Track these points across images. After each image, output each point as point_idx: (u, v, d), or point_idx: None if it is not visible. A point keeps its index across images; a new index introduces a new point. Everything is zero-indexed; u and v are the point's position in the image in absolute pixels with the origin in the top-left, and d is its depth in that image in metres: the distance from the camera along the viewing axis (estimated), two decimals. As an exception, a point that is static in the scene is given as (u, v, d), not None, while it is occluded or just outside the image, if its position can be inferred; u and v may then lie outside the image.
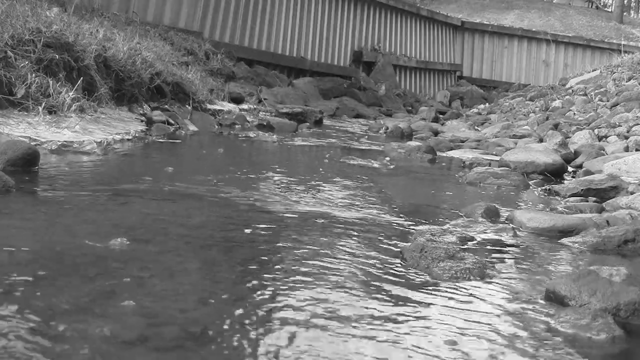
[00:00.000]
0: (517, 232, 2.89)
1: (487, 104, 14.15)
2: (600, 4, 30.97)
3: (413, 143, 6.76)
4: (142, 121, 5.85)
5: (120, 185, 3.24)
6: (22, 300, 1.58)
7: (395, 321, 1.71)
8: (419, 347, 1.56)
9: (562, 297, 1.92)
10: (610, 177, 4.16)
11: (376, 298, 1.87)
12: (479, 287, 2.05)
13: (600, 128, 6.72)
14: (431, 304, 1.88)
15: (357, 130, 9.10)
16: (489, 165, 5.35)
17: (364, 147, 6.56)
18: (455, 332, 1.67)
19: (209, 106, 7.73)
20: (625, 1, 30.82)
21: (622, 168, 4.51)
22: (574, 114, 8.54)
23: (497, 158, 5.72)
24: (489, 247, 2.59)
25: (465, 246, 2.54)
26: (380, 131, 8.85)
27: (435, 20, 19.22)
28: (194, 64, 9.06)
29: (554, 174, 4.95)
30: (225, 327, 1.57)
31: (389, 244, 2.50)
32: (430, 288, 2.02)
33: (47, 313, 1.53)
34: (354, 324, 1.66)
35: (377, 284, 2.01)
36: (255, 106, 9.47)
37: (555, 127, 7.38)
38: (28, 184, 2.96)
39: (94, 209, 2.64)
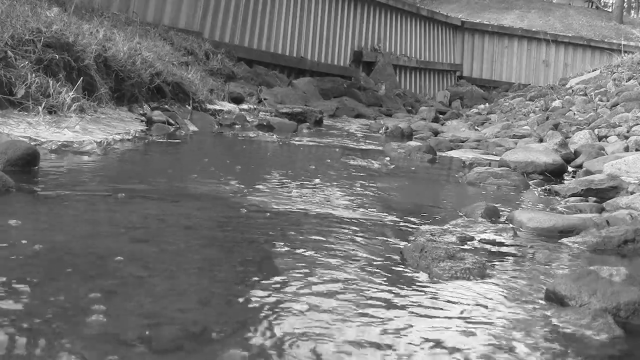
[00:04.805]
0: (517, 232, 2.89)
1: (487, 104, 14.15)
2: (600, 4, 30.96)
3: (413, 143, 6.76)
4: (142, 121, 5.85)
5: (120, 185, 3.23)
6: (23, 300, 1.58)
7: (394, 321, 1.71)
8: (419, 347, 1.56)
9: (562, 297, 1.92)
10: (610, 177, 4.16)
11: (376, 298, 1.87)
12: (479, 287, 2.05)
13: (600, 128, 6.72)
14: (431, 304, 1.87)
15: (357, 130, 9.10)
16: (489, 165, 5.35)
17: (364, 147, 6.56)
18: (455, 332, 1.67)
19: (209, 106, 7.74)
20: (625, 1, 30.82)
21: (622, 168, 4.51)
22: (574, 114, 8.54)
23: (497, 158, 5.72)
24: (489, 247, 2.59)
25: (465, 246, 2.54)
26: (380, 131, 8.85)
27: (435, 20, 19.23)
28: (194, 64, 9.07)
29: (554, 174, 4.95)
30: (225, 327, 1.57)
31: (389, 244, 2.50)
32: (430, 288, 2.02)
33: (47, 313, 1.53)
34: (353, 324, 1.66)
35: (377, 284, 2.00)
36: (255, 106, 9.47)
37: (555, 127, 7.38)
38: (28, 184, 2.96)
39: (94, 209, 2.64)
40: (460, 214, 3.22)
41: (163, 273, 1.90)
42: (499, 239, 2.73)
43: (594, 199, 3.89)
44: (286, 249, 2.31)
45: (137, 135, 5.18)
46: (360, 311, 1.75)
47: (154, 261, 2.00)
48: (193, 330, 1.52)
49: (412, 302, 1.88)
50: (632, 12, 35.31)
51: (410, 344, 1.58)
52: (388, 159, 5.54)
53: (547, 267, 2.41)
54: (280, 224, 2.68)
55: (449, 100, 17.38)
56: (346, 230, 2.66)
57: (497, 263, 2.36)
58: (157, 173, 3.64)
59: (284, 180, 3.80)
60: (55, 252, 1.97)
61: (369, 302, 1.83)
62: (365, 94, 14.21)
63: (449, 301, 1.91)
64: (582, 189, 4.02)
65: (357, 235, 2.59)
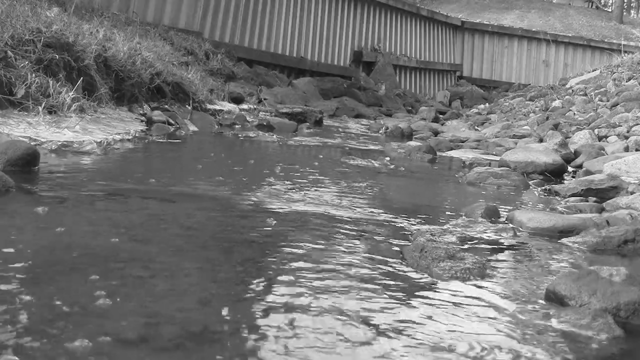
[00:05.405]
0: (517, 232, 2.89)
1: (487, 104, 14.16)
2: (600, 4, 30.95)
3: (413, 143, 6.76)
4: (142, 121, 5.85)
5: (120, 185, 3.24)
6: (23, 300, 1.58)
7: (394, 321, 1.71)
8: (418, 348, 1.56)
9: (562, 297, 1.92)
10: (610, 177, 4.16)
11: (376, 298, 1.87)
12: (479, 287, 2.05)
13: (600, 128, 6.72)
14: (431, 304, 1.87)
15: (357, 130, 9.10)
16: (489, 165, 5.35)
17: (364, 147, 6.56)
18: (454, 332, 1.67)
19: (209, 106, 7.73)
20: (625, 1, 30.82)
21: (622, 168, 4.51)
22: (574, 114, 8.54)
23: (497, 158, 5.72)
24: (489, 247, 2.59)
25: (465, 246, 2.54)
26: (380, 131, 8.85)
27: (435, 20, 19.23)
28: (194, 64, 9.07)
29: (554, 174, 4.95)
30: (225, 327, 1.57)
31: (389, 244, 2.50)
32: (430, 288, 2.02)
33: (47, 313, 1.53)
34: (353, 325, 1.66)
35: (377, 284, 2.00)
36: (255, 106, 9.47)
37: (555, 127, 7.38)
38: (28, 184, 2.96)
39: (94, 209, 2.64)
40: (460, 214, 3.22)
41: (163, 273, 1.90)
42: (499, 239, 2.73)
43: (594, 199, 3.89)
44: (286, 248, 2.30)
45: (137, 135, 5.18)
46: (360, 311, 1.75)
47: (154, 261, 2.00)
48: (193, 329, 1.52)
49: (412, 302, 1.88)
50: (632, 12, 35.32)
51: (410, 343, 1.58)
52: (388, 159, 5.54)
53: (547, 267, 2.41)
54: (280, 223, 2.68)
55: (449, 100, 17.38)
56: (346, 230, 2.66)
57: (497, 263, 2.36)
58: (157, 173, 3.63)
59: (284, 180, 3.80)
60: (55, 253, 1.97)
61: (369, 301, 1.83)
62: (365, 94, 14.21)
63: (448, 301, 1.91)
64: (582, 189, 4.02)
65: (357, 235, 2.59)
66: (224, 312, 1.67)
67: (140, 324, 1.51)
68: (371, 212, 3.12)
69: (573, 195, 4.01)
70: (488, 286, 2.08)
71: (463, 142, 7.65)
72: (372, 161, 5.25)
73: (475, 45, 20.31)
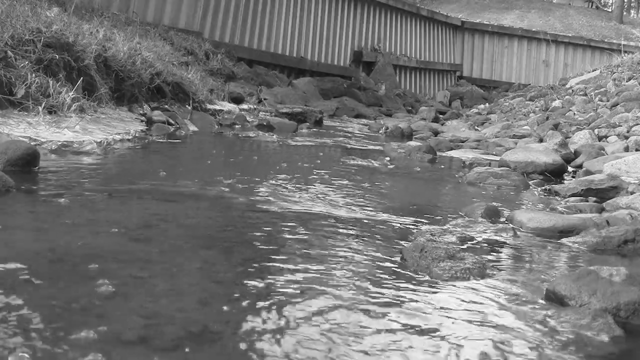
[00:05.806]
0: (517, 232, 2.89)
1: (487, 104, 14.16)
2: (600, 4, 30.95)
3: (413, 143, 6.76)
4: (142, 121, 5.85)
5: (120, 185, 3.24)
6: (23, 301, 1.58)
7: (394, 322, 1.71)
8: (418, 348, 1.56)
9: (562, 297, 1.92)
10: (610, 177, 4.16)
11: (376, 298, 1.87)
12: (479, 287, 2.05)
13: (600, 128, 6.72)
14: (431, 304, 1.87)
15: (357, 130, 9.10)
16: (489, 165, 5.35)
17: (364, 147, 6.56)
18: (454, 332, 1.67)
19: (209, 106, 7.74)
20: (625, 1, 30.82)
21: (622, 168, 4.51)
22: (574, 114, 8.54)
23: (497, 158, 5.72)
24: (489, 247, 2.59)
25: (465, 246, 2.54)
26: (380, 131, 8.85)
27: (435, 20, 19.23)
28: (194, 64, 9.07)
29: (554, 174, 4.95)
30: (225, 327, 1.57)
31: (389, 244, 2.50)
32: (430, 288, 2.02)
33: (47, 313, 1.53)
34: (353, 325, 1.66)
35: (377, 284, 2.00)
36: (255, 106, 9.47)
37: (555, 127, 7.38)
38: (28, 184, 2.96)
39: (94, 209, 2.64)
40: (460, 214, 3.22)
41: (163, 273, 1.90)
42: (499, 239, 2.73)
43: (594, 199, 3.89)
44: (286, 248, 2.31)
45: (137, 135, 5.18)
46: (360, 311, 1.75)
47: (154, 261, 2.00)
48: (193, 329, 1.52)
49: (412, 302, 1.88)
50: (632, 12, 35.32)
51: (410, 344, 1.58)
52: (388, 159, 5.54)
53: (547, 267, 2.41)
54: (280, 223, 2.68)
55: (449, 100, 17.39)
56: (346, 230, 2.66)
57: (497, 263, 2.36)
58: (157, 173, 3.63)
59: (284, 180, 3.80)
60: (55, 253, 1.97)
61: (369, 302, 1.83)
62: (365, 94, 14.22)
63: (448, 301, 1.91)
64: (582, 189, 4.02)
65: (357, 235, 2.59)
66: (224, 312, 1.67)
67: (140, 324, 1.51)
68: (371, 212, 3.12)
69: (573, 195, 4.01)
70: (488, 286, 2.08)
71: (463, 142, 7.65)
72: (372, 161, 5.25)
73: (475, 45, 20.32)
